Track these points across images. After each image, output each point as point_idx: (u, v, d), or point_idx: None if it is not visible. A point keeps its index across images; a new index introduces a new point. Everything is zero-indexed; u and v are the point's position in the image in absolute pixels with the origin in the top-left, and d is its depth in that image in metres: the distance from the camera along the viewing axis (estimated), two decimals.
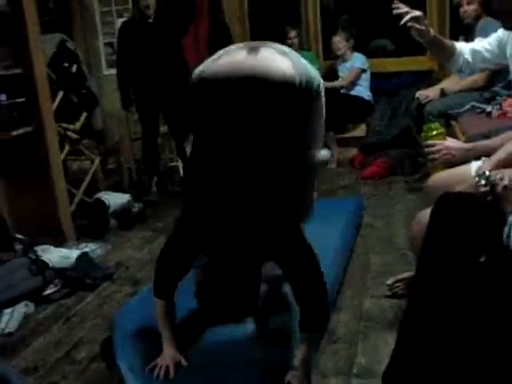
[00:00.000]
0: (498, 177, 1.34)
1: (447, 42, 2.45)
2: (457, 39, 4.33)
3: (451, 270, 1.33)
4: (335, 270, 2.67)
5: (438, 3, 5.36)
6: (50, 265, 2.94)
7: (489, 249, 1.23)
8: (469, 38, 4.09)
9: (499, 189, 1.30)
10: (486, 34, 3.93)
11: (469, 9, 4.03)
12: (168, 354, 1.84)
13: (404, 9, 2.17)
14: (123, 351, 1.97)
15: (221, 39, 5.31)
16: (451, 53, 2.40)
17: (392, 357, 1.49)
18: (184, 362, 1.85)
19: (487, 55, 2.38)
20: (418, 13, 2.18)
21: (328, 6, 6.23)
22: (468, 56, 2.39)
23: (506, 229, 1.15)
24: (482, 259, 1.24)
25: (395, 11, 2.18)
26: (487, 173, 1.50)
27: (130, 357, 1.94)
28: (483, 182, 1.38)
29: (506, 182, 1.30)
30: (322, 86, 1.63)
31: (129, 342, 2.03)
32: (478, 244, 1.27)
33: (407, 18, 2.16)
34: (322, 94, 1.61)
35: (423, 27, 2.20)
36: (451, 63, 2.43)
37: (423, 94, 4.21)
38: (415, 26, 2.18)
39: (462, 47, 2.42)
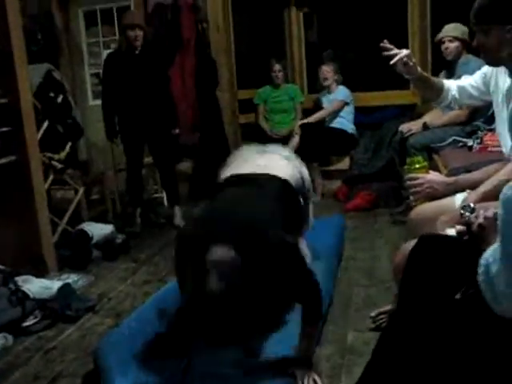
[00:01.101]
0: (473, 215, 1.36)
1: (433, 79, 2.49)
2: (438, 74, 4.44)
3: (427, 307, 1.35)
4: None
5: (420, 39, 5.48)
6: (31, 296, 2.90)
7: (465, 287, 1.24)
8: (450, 73, 4.20)
9: (474, 227, 1.31)
10: (467, 71, 4.04)
11: (450, 46, 4.14)
12: None
13: (393, 50, 2.23)
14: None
15: (207, 73, 5.37)
16: (439, 90, 2.44)
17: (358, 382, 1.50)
18: None
19: (473, 92, 2.42)
20: (405, 52, 2.23)
21: (313, 40, 6.35)
22: (455, 93, 2.44)
23: (479, 270, 1.16)
24: (458, 296, 1.25)
25: (384, 53, 2.23)
26: (472, 205, 1.52)
27: None
28: (468, 214, 1.40)
29: (480, 220, 1.32)
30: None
31: (114, 373, 2.01)
32: (455, 282, 1.28)
33: (396, 58, 2.21)
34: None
35: (411, 64, 2.24)
36: (440, 100, 2.46)
37: (406, 127, 4.28)
38: (403, 63, 2.22)
39: (450, 84, 2.47)
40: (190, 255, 1.79)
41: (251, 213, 1.94)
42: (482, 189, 2.00)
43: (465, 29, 4.05)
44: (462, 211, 1.47)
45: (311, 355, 2.13)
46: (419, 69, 2.34)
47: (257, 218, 1.91)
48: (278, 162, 2.45)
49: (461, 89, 2.44)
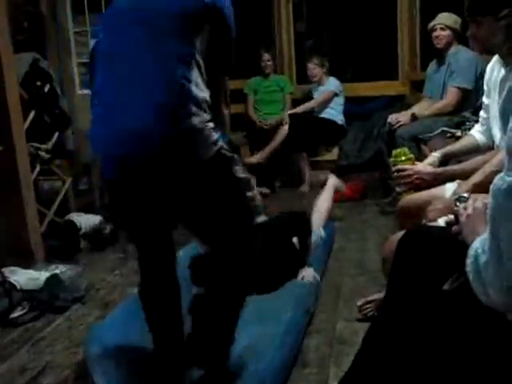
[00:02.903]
0: (462, 206, 1.36)
1: (462, 146, 2.48)
2: (427, 64, 4.46)
3: (415, 298, 1.36)
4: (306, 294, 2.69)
5: (408, 27, 5.47)
6: (18, 287, 2.88)
7: (453, 277, 1.25)
8: (440, 62, 4.21)
9: (463, 219, 1.32)
10: (457, 61, 4.06)
11: (441, 34, 4.13)
12: None
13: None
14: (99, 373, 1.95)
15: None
16: (474, 148, 2.42)
17: (348, 372, 1.51)
18: None
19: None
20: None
21: (302, 31, 6.33)
22: (482, 136, 2.40)
23: (467, 260, 1.16)
24: (446, 287, 1.25)
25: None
26: (466, 195, 1.52)
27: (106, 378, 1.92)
28: (462, 205, 1.40)
29: (469, 211, 1.32)
30: None
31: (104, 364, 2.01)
32: (443, 273, 1.29)
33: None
34: None
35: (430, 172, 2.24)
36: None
37: (394, 118, 4.28)
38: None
39: (475, 133, 2.45)
40: None
41: None
42: (473, 179, 2.01)
43: (458, 18, 4.05)
44: (457, 202, 1.48)
45: None
46: (437, 160, 2.35)
47: None
48: None
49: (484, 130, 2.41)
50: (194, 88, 1.73)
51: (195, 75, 1.75)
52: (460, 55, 4.08)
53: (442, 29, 4.13)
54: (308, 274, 2.81)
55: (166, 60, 1.71)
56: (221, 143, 1.80)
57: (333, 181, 3.93)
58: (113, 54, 1.80)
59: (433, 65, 4.40)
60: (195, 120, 1.72)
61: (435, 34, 4.16)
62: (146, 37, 1.73)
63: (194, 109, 1.72)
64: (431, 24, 4.22)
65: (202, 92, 1.77)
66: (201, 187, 1.78)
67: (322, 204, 3.52)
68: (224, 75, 2.16)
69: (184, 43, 1.74)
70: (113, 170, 1.85)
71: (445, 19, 4.13)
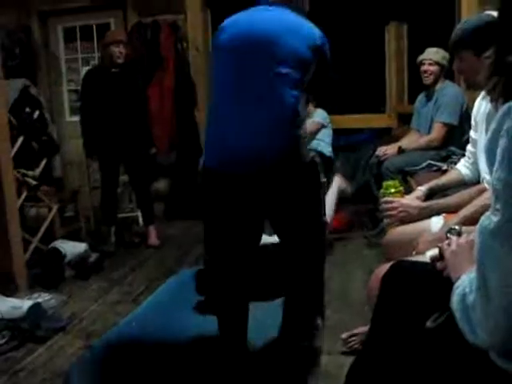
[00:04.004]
0: (446, 242, 1.37)
1: (449, 180, 2.51)
2: (415, 97, 4.52)
3: (399, 335, 1.35)
4: None
5: (396, 59, 5.55)
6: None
7: (436, 314, 1.25)
8: (428, 97, 4.28)
9: (447, 255, 1.32)
10: (444, 96, 4.13)
11: (429, 69, 4.19)
12: None
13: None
14: None
15: (185, 92, 5.38)
16: (461, 181, 2.44)
17: None
18: None
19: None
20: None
21: None
22: (468, 172, 2.43)
23: (453, 298, 1.16)
24: (429, 324, 1.25)
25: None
26: (457, 227, 1.53)
27: None
28: (454, 237, 1.41)
29: (453, 247, 1.33)
30: None
31: None
32: (427, 310, 1.28)
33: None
34: None
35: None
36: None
37: (382, 150, 4.32)
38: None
39: (460, 167, 2.49)
40: None
41: None
42: (463, 212, 2.02)
43: (445, 54, 4.12)
44: (448, 234, 1.48)
45: None
46: (422, 194, 2.38)
47: None
48: None
49: (470, 165, 2.44)
50: (299, 106, 2.14)
51: (301, 96, 2.15)
52: (446, 91, 4.15)
53: (430, 64, 4.20)
54: None
55: (286, 85, 2.10)
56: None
57: (338, 181, 3.98)
58: (238, 79, 2.15)
59: (421, 99, 4.46)
60: (299, 131, 2.15)
61: (423, 68, 4.23)
62: (270, 66, 2.10)
63: (298, 122, 2.14)
64: (420, 58, 4.29)
65: (304, 110, 2.23)
66: (298, 188, 2.17)
67: (327, 200, 3.62)
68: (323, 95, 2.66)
69: (299, 73, 2.13)
70: (239, 168, 2.12)
71: (433, 54, 4.20)
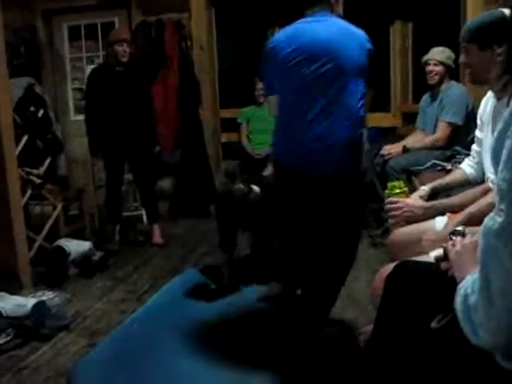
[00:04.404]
0: (450, 243, 1.36)
1: (453, 179, 2.50)
2: (420, 97, 4.51)
3: (403, 335, 1.35)
4: None
5: (401, 58, 5.54)
6: (4, 313, 2.84)
7: (441, 315, 1.24)
8: (433, 98, 4.26)
9: (452, 255, 1.31)
10: (449, 96, 4.11)
11: (435, 69, 4.17)
12: None
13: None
14: None
15: (189, 90, 5.38)
16: (465, 181, 2.44)
17: None
18: None
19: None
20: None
21: None
22: (473, 171, 2.43)
23: (457, 299, 1.15)
24: (433, 325, 1.24)
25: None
26: (461, 228, 1.52)
27: None
28: (459, 238, 1.40)
29: (458, 248, 1.32)
30: None
31: None
32: (431, 310, 1.28)
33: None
34: None
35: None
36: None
37: (387, 149, 4.31)
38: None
39: (465, 167, 2.48)
40: None
41: None
42: (469, 210, 2.02)
43: (451, 54, 4.10)
44: (451, 235, 1.47)
45: None
46: (425, 193, 2.38)
47: None
48: None
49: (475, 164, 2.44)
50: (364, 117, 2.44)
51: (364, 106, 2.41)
52: (451, 90, 4.13)
53: (435, 64, 4.18)
54: None
55: (354, 95, 2.36)
56: None
57: None
58: (313, 88, 2.34)
59: (426, 98, 4.44)
60: (363, 136, 2.43)
61: (429, 68, 4.21)
62: (340, 76, 2.33)
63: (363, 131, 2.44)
64: (424, 58, 4.27)
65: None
66: (357, 197, 2.47)
67: None
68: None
69: (362, 82, 2.39)
70: (329, 170, 2.37)
71: (438, 55, 4.18)
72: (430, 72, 4.21)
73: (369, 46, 2.41)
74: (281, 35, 2.40)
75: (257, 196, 2.99)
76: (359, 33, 2.41)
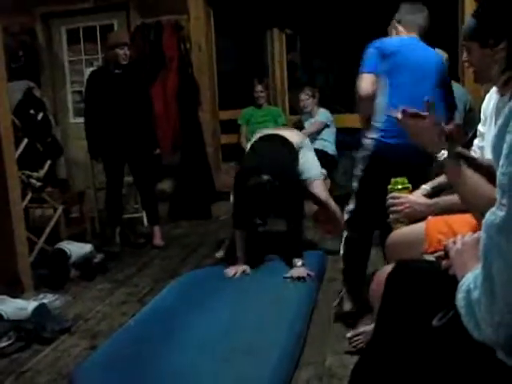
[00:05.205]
0: (451, 241, 1.36)
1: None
2: None
3: (404, 334, 1.35)
4: (299, 325, 2.68)
5: None
6: (5, 316, 2.84)
7: (442, 313, 1.24)
8: None
9: (452, 253, 1.31)
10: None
11: None
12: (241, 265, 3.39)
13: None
14: None
15: (189, 92, 5.39)
16: None
17: None
18: (248, 271, 3.38)
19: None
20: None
21: (296, 61, 6.41)
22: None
23: (459, 295, 1.15)
24: (435, 323, 1.24)
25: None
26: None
27: None
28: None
29: (458, 245, 1.32)
30: None
31: None
32: (433, 309, 1.28)
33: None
34: None
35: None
36: None
37: None
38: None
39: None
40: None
41: (282, 158, 3.54)
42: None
43: (445, 55, 4.10)
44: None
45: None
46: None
47: (286, 161, 3.55)
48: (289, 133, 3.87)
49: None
50: None
51: None
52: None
53: None
54: (300, 271, 3.30)
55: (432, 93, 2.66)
56: None
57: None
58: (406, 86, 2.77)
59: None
60: None
61: None
62: (424, 81, 2.79)
63: None
64: None
65: None
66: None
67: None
68: None
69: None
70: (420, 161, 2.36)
71: None
72: None
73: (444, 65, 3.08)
74: (392, 45, 2.98)
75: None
76: (437, 54, 3.10)
